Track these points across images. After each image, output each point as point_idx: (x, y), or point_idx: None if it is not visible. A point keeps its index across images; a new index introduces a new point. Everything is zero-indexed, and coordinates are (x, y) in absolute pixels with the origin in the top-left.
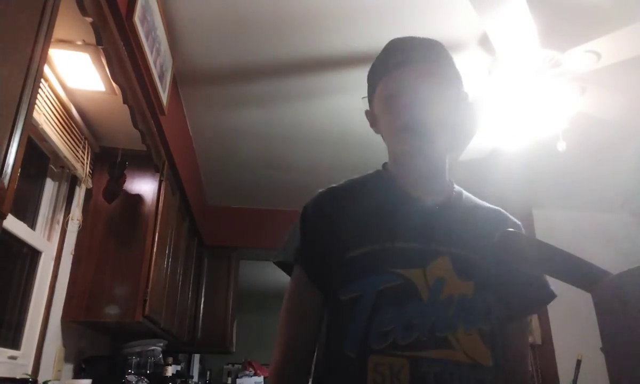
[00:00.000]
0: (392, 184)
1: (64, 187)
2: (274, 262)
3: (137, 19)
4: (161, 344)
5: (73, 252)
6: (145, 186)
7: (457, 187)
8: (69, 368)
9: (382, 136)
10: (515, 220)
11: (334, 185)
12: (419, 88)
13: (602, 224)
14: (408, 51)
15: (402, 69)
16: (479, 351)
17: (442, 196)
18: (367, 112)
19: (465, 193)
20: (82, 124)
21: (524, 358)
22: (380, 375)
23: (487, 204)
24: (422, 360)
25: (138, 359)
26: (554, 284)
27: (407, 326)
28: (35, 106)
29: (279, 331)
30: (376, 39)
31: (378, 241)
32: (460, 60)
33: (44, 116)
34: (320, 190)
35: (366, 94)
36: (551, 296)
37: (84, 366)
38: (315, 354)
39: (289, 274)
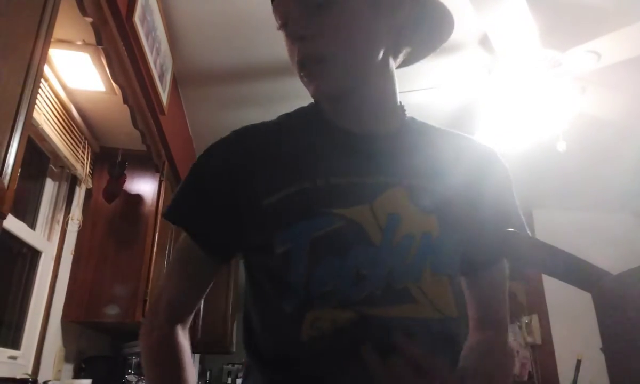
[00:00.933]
0: (324, 118)
1: (64, 187)
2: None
3: (137, 19)
4: None
5: (73, 252)
6: (145, 186)
7: (410, 116)
8: (69, 368)
9: None
10: (487, 145)
11: (245, 125)
12: (312, 6)
13: (602, 224)
14: None
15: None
16: (446, 300)
17: (390, 126)
18: None
19: (422, 121)
20: (82, 124)
21: (503, 319)
22: (318, 330)
23: (455, 131)
24: (375, 318)
25: (138, 359)
26: (555, 283)
27: (355, 278)
28: (35, 106)
29: (164, 280)
30: None
31: (306, 179)
32: (460, 61)
33: (44, 116)
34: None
35: None
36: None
37: (84, 366)
38: (243, 315)
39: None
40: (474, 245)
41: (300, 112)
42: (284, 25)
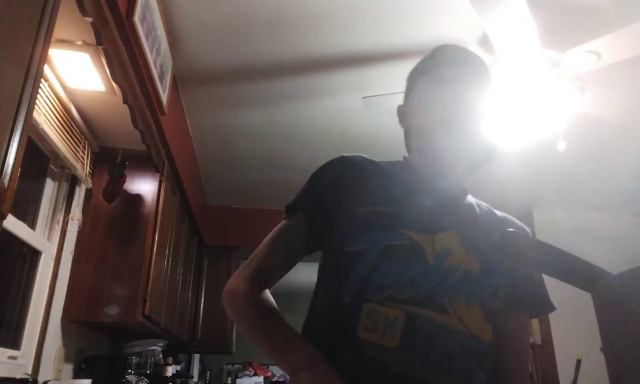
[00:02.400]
0: (411, 169)
1: (64, 187)
2: (285, 209)
3: (137, 19)
4: (161, 344)
5: (73, 252)
6: (145, 186)
7: (470, 194)
8: (69, 368)
9: (409, 132)
10: (523, 225)
11: (356, 154)
12: (466, 90)
13: (602, 224)
14: (460, 55)
15: (452, 68)
16: (477, 324)
17: (458, 189)
18: (399, 108)
19: (476, 199)
20: (82, 124)
21: (521, 356)
22: (372, 321)
23: (497, 211)
24: (418, 316)
25: (138, 359)
26: (555, 283)
27: (409, 283)
28: (35, 106)
29: (258, 251)
30: (376, 39)
31: (391, 205)
32: None
33: (44, 116)
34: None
35: (367, 94)
36: (550, 308)
37: (84, 366)
38: (311, 302)
39: None
40: (511, 293)
41: (395, 162)
42: (439, 85)
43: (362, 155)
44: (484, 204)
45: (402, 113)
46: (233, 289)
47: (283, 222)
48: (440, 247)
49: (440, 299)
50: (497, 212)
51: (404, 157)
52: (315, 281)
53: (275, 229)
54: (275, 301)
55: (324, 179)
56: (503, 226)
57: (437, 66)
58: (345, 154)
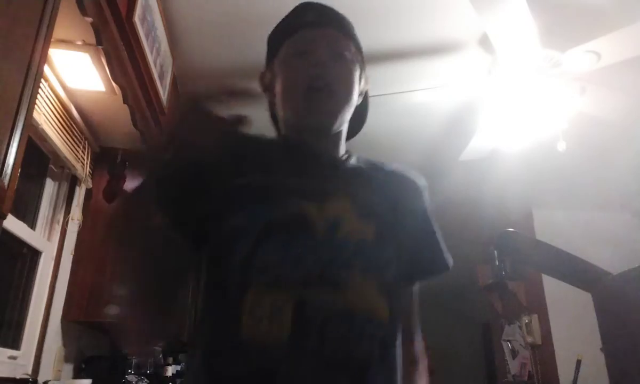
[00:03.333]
0: (289, 141)
1: (64, 187)
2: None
3: (137, 19)
4: (161, 344)
5: (73, 253)
6: None
7: (355, 153)
8: (69, 368)
9: (277, 102)
10: (415, 175)
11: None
12: (332, 49)
13: (602, 224)
14: (324, 14)
15: (316, 29)
16: (374, 301)
17: (341, 154)
18: (262, 75)
19: (365, 157)
20: (82, 124)
21: (412, 328)
22: (256, 313)
23: (388, 162)
24: (309, 300)
25: (138, 359)
26: (555, 283)
27: (296, 261)
28: (35, 106)
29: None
30: (376, 40)
31: (272, 174)
32: (460, 61)
33: (44, 116)
34: None
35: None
36: (444, 267)
37: (84, 366)
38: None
39: None
40: (405, 260)
41: (272, 137)
42: (303, 53)
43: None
44: (375, 161)
45: (268, 80)
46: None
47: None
48: (329, 216)
49: (333, 277)
50: (387, 165)
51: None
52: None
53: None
54: None
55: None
56: (395, 182)
57: (301, 27)
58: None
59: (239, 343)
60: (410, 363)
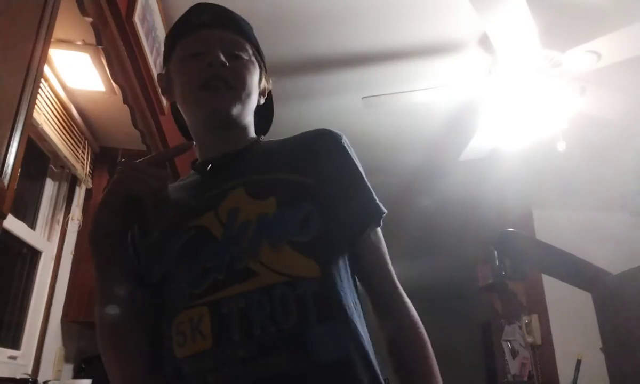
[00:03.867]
0: (196, 163)
1: (64, 187)
2: None
3: (137, 19)
4: None
5: (73, 253)
6: None
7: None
8: (69, 368)
9: (178, 105)
10: (336, 133)
11: None
12: (228, 51)
13: (602, 224)
14: (220, 15)
15: (211, 30)
16: (295, 263)
17: (241, 146)
18: (160, 77)
19: (281, 138)
20: (82, 124)
21: (383, 277)
22: (181, 335)
23: (293, 136)
24: (222, 301)
25: None
26: (555, 283)
27: (201, 272)
28: (35, 106)
29: None
30: (376, 39)
31: (174, 211)
32: (460, 60)
33: (44, 116)
34: None
35: (367, 94)
36: (377, 211)
37: (84, 366)
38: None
39: None
40: (335, 217)
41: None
42: (198, 54)
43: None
44: (287, 137)
45: (166, 82)
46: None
47: None
48: (225, 215)
49: (241, 266)
50: (297, 135)
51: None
52: None
53: None
54: None
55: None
56: (301, 144)
57: (196, 28)
58: None
59: (175, 364)
60: (394, 329)
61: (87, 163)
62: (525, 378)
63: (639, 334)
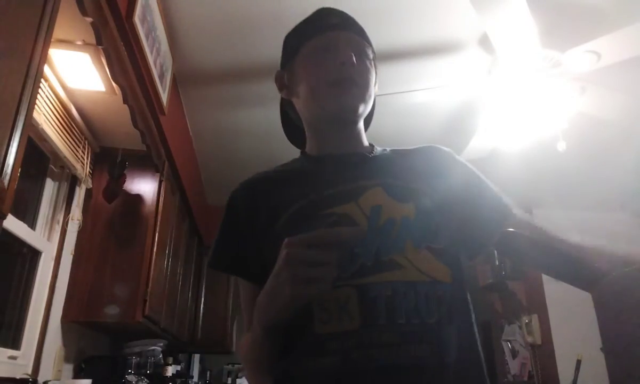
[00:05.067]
0: (310, 154)
1: (64, 187)
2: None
3: (137, 19)
4: (161, 344)
5: (73, 252)
6: (145, 186)
7: (380, 147)
8: (69, 368)
9: (300, 98)
10: (447, 149)
11: (253, 175)
12: (356, 50)
13: (602, 224)
14: (346, 19)
15: (340, 31)
16: (434, 267)
17: (365, 148)
18: (279, 74)
19: (392, 148)
20: (82, 124)
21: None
22: (325, 312)
23: (411, 147)
24: (369, 285)
25: (138, 359)
26: (555, 283)
27: (350, 256)
28: (35, 106)
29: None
30: (376, 39)
31: (304, 197)
32: (460, 60)
33: (44, 116)
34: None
35: None
36: (506, 208)
37: (84, 366)
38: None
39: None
40: (468, 224)
41: (291, 160)
42: (328, 50)
43: (258, 172)
44: (398, 148)
45: (287, 79)
46: (240, 348)
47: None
48: (368, 208)
49: (388, 257)
50: (410, 148)
51: (301, 152)
52: None
53: (241, 294)
54: None
55: (234, 220)
56: (422, 157)
57: (326, 29)
58: (241, 182)
59: (316, 338)
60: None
61: (87, 163)
62: (525, 378)
63: (639, 334)
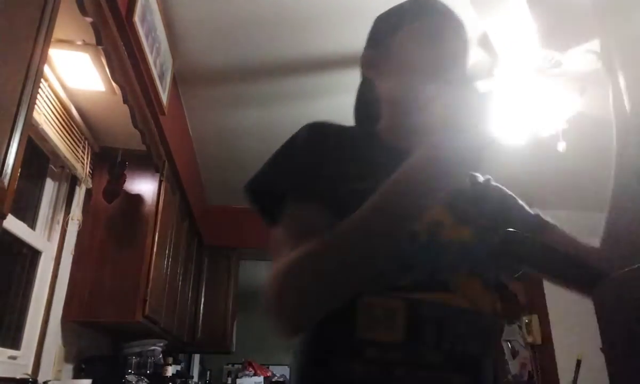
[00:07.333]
0: (382, 140)
1: (64, 187)
2: (249, 193)
3: (137, 19)
4: (161, 344)
5: (73, 252)
6: (145, 186)
7: None
8: (69, 368)
9: (388, 78)
10: (511, 193)
11: (329, 122)
12: (462, 44)
13: (602, 224)
14: (447, 8)
15: (447, 20)
16: (480, 296)
17: None
18: (367, 54)
19: None
20: (82, 124)
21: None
22: (370, 317)
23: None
24: (421, 303)
25: (138, 359)
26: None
27: (403, 266)
28: (35, 106)
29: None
30: None
31: (371, 180)
32: None
33: (44, 116)
34: (314, 122)
35: None
36: (534, 222)
37: (84, 366)
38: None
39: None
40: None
41: (364, 131)
42: (435, 37)
43: (334, 124)
44: None
45: (373, 61)
46: (274, 274)
47: (286, 220)
48: (430, 221)
49: (442, 278)
50: (477, 175)
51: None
52: None
53: (284, 229)
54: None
55: (304, 153)
56: (488, 193)
57: (433, 13)
58: (317, 122)
59: (355, 342)
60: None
61: (87, 163)
62: (525, 378)
63: (638, 334)
